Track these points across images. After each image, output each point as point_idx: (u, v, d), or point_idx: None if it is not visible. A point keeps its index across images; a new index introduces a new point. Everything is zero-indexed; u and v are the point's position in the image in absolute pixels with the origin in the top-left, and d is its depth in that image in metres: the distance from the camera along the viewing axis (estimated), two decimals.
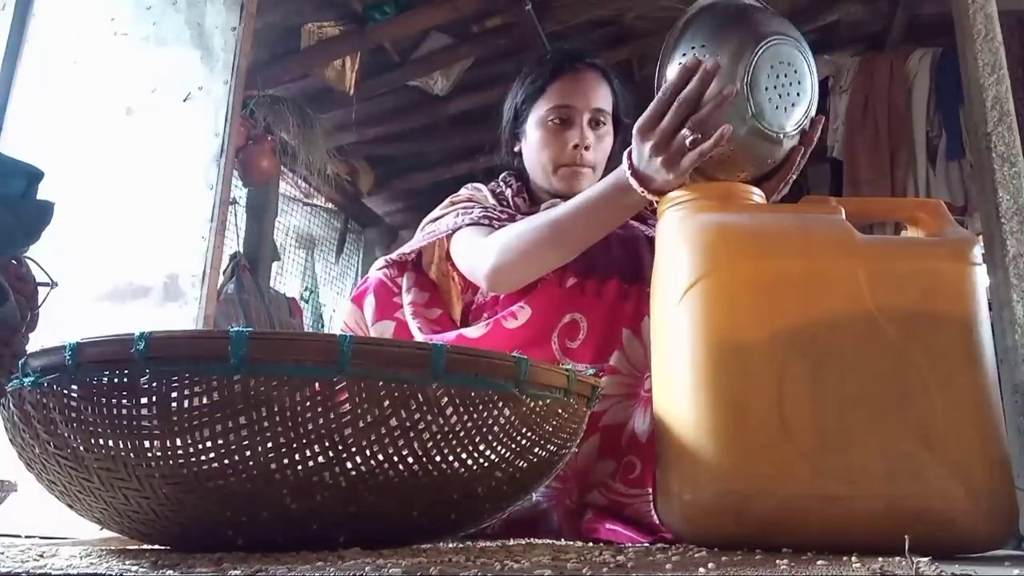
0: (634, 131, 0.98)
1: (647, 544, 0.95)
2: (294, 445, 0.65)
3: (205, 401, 0.64)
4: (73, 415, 0.67)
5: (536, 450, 0.77)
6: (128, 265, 2.18)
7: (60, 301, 0.74)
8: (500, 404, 0.71)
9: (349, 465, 0.66)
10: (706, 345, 0.80)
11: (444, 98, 3.67)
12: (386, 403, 0.66)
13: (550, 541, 0.99)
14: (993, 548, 0.78)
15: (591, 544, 0.92)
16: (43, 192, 0.72)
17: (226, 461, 0.65)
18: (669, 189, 0.94)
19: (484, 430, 0.71)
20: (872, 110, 3.41)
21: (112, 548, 0.78)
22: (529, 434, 0.75)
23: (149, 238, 2.18)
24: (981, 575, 0.58)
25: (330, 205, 4.52)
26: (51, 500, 0.79)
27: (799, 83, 0.95)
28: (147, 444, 0.65)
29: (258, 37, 2.78)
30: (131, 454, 0.65)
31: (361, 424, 0.66)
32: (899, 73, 3.39)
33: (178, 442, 0.65)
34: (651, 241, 1.17)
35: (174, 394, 0.64)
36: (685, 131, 0.92)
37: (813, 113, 1.00)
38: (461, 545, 0.83)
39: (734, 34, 0.94)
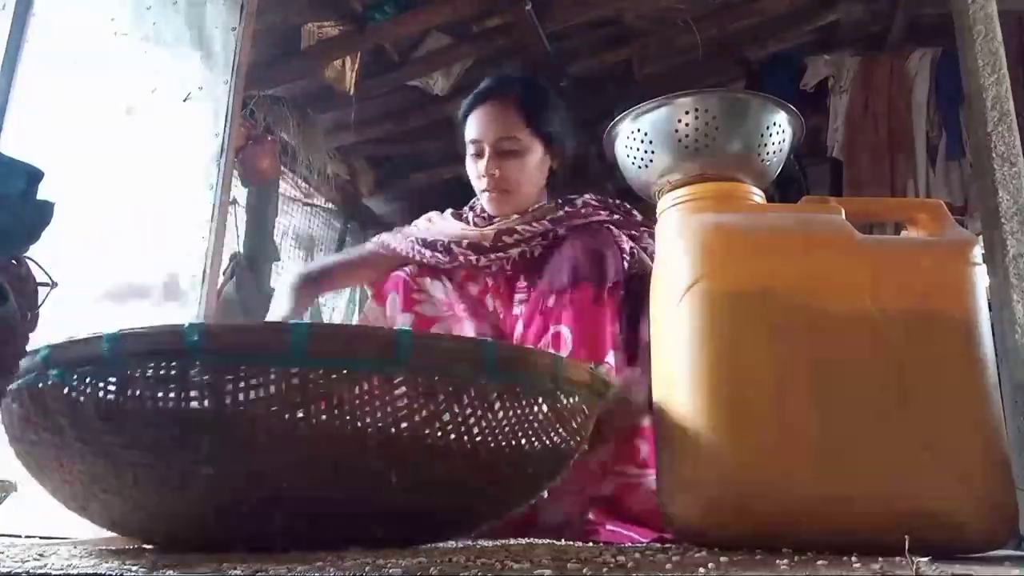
0: None
1: (647, 544, 0.95)
2: (351, 440, 0.65)
3: (262, 394, 0.64)
4: (109, 409, 0.65)
5: (563, 446, 0.78)
6: (128, 265, 2.18)
7: (60, 301, 0.74)
8: (540, 400, 0.73)
9: (404, 460, 0.67)
10: (706, 345, 0.80)
11: (444, 98, 3.67)
12: (441, 398, 0.67)
13: (550, 541, 0.99)
14: (993, 548, 0.78)
15: (591, 544, 0.93)
16: (43, 192, 0.72)
17: (281, 455, 0.64)
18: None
19: (525, 425, 0.72)
20: (872, 110, 3.41)
21: (112, 548, 0.78)
22: (561, 430, 0.76)
23: (149, 238, 2.18)
24: (981, 575, 0.58)
25: (330, 205, 4.52)
26: (50, 500, 0.79)
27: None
28: (195, 439, 0.64)
29: (258, 37, 2.77)
30: (176, 447, 0.64)
31: (417, 418, 0.66)
32: (899, 73, 3.39)
33: (231, 434, 0.64)
34: (620, 249, 1.29)
35: (228, 387, 0.63)
36: None
37: None
38: (461, 545, 0.83)
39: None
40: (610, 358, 1.19)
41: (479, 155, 1.42)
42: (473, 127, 1.43)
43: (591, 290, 1.24)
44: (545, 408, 0.74)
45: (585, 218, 1.35)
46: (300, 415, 0.63)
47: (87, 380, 0.66)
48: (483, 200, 1.43)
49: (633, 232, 1.35)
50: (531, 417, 0.72)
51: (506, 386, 0.70)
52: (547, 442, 0.75)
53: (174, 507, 0.68)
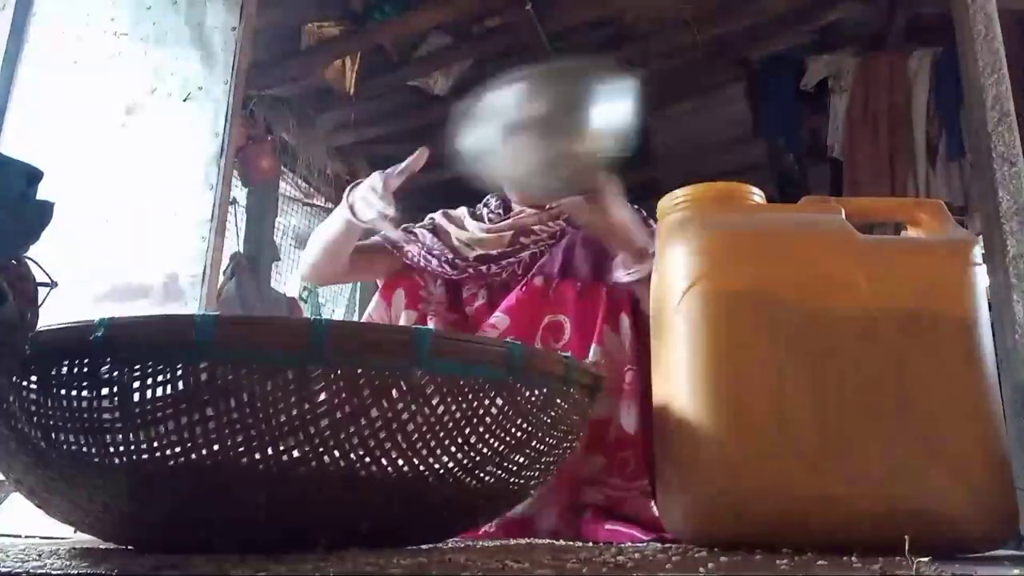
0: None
1: (647, 544, 0.95)
2: (266, 438, 0.60)
3: (169, 391, 0.60)
4: (32, 408, 0.63)
5: (534, 443, 0.72)
6: (128, 265, 2.18)
7: (60, 301, 0.74)
8: (492, 393, 0.67)
9: (327, 459, 0.62)
10: (706, 346, 0.80)
11: (444, 98, 3.67)
12: (366, 392, 0.61)
13: (550, 541, 0.99)
14: (993, 548, 0.78)
15: (591, 544, 0.93)
16: (43, 192, 0.72)
17: (193, 456, 0.60)
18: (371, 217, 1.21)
19: (475, 421, 0.66)
20: (872, 110, 3.41)
21: (112, 548, 0.78)
22: (525, 425, 0.70)
23: (149, 238, 2.18)
24: (981, 575, 0.58)
25: (330, 205, 4.51)
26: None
27: None
28: (108, 439, 0.61)
29: (258, 37, 2.77)
30: (92, 449, 0.61)
31: (339, 415, 0.61)
32: (899, 73, 3.39)
33: (141, 435, 0.61)
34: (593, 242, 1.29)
35: (136, 384, 0.60)
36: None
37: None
38: (461, 545, 0.83)
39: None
40: (593, 353, 1.18)
41: None
42: None
43: (581, 287, 1.24)
44: (500, 402, 0.67)
45: None
46: (210, 413, 0.60)
47: (15, 380, 0.65)
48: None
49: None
50: (482, 412, 0.66)
51: (447, 377, 0.64)
52: (508, 440, 0.69)
53: (106, 509, 0.66)
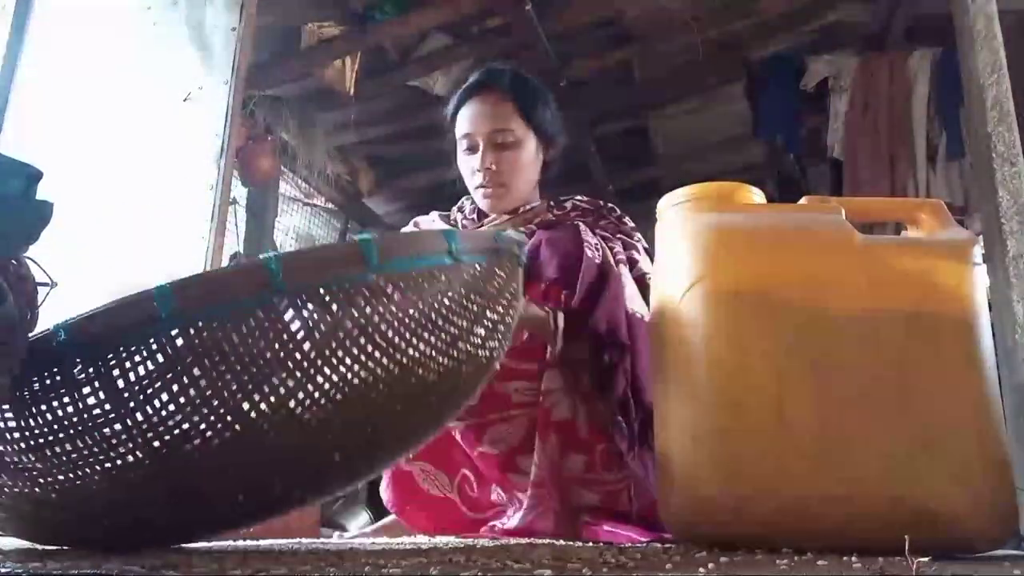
0: None
1: (647, 544, 0.95)
2: (259, 379, 0.62)
3: (151, 367, 0.62)
4: (16, 436, 0.64)
5: (488, 313, 0.77)
6: (128, 265, 2.18)
7: (60, 301, 0.74)
8: (442, 277, 0.71)
9: (321, 379, 0.64)
10: (707, 344, 0.80)
11: (444, 98, 3.67)
12: (335, 307, 0.65)
13: (550, 541, 0.99)
14: (993, 548, 0.78)
15: (591, 544, 0.93)
16: (43, 192, 0.72)
17: (196, 418, 0.62)
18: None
19: (436, 305, 0.70)
20: (872, 110, 3.41)
21: (112, 549, 0.78)
22: (477, 298, 0.75)
23: (149, 238, 2.18)
24: (981, 575, 0.58)
25: (330, 205, 4.52)
26: None
27: None
28: (108, 432, 0.62)
29: (258, 37, 2.77)
30: (95, 449, 0.62)
31: (317, 335, 0.64)
32: (899, 73, 3.39)
33: (139, 417, 0.62)
34: (585, 244, 1.24)
35: (115, 372, 0.61)
36: None
37: None
38: (461, 545, 0.83)
39: None
40: (550, 353, 1.19)
41: (472, 149, 1.38)
42: (465, 121, 1.40)
43: (545, 287, 1.21)
44: (452, 282, 0.72)
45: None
46: (197, 373, 0.61)
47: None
48: (477, 197, 1.40)
49: (608, 234, 1.33)
50: (439, 296, 0.70)
51: (401, 274, 0.68)
52: (469, 316, 0.74)
53: (125, 506, 0.66)
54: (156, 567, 0.56)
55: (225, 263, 3.28)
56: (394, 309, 0.67)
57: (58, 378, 0.63)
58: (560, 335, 1.15)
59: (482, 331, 0.77)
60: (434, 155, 4.29)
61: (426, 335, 0.70)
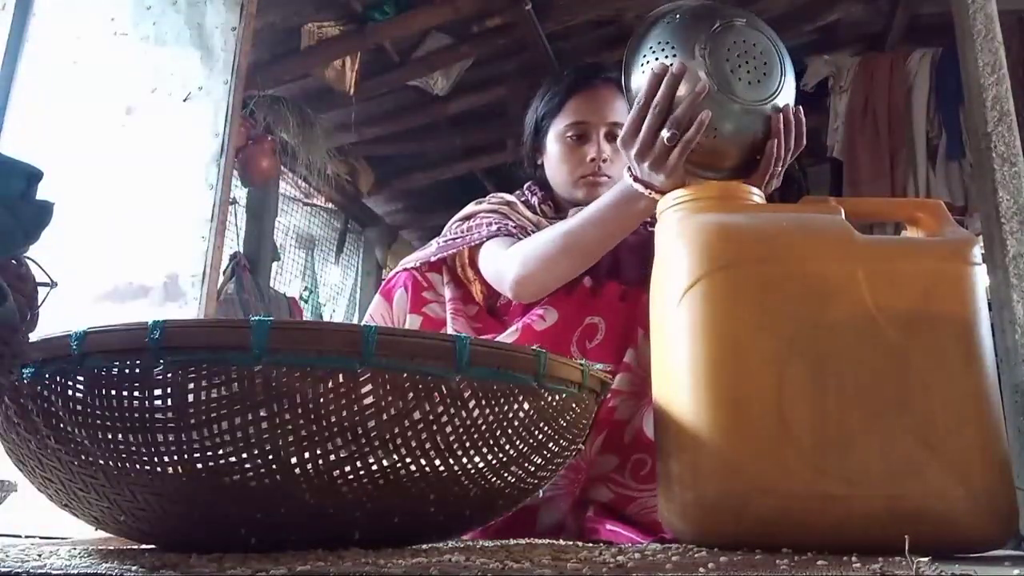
0: (619, 144, 1.05)
1: (647, 544, 0.95)
2: (316, 438, 0.63)
3: (224, 392, 0.63)
4: (79, 408, 0.65)
5: (551, 444, 0.77)
6: (128, 265, 2.18)
7: (60, 301, 0.74)
8: (520, 398, 0.71)
9: (371, 459, 0.65)
10: (706, 345, 0.80)
11: (444, 98, 3.67)
12: (410, 395, 0.65)
13: (550, 541, 0.99)
14: (993, 548, 0.78)
15: (591, 544, 0.93)
16: (43, 192, 0.72)
17: (244, 455, 0.63)
18: (670, 188, 0.97)
19: (504, 424, 0.70)
20: (872, 110, 3.41)
21: (112, 548, 0.78)
22: (546, 428, 0.75)
23: (149, 238, 2.18)
24: (981, 575, 0.58)
25: (330, 205, 4.52)
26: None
27: (764, 59, 1.00)
28: (160, 438, 0.63)
29: (258, 37, 2.77)
30: (143, 448, 0.64)
31: (385, 417, 0.65)
32: (899, 73, 3.39)
33: (194, 435, 0.63)
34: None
35: (191, 385, 0.63)
36: (664, 132, 0.98)
37: (790, 90, 1.04)
38: (461, 545, 0.83)
39: (690, 27, 1.00)
40: (628, 356, 1.18)
41: (583, 138, 1.34)
42: (581, 108, 1.35)
43: (624, 290, 1.22)
44: (527, 406, 0.72)
45: None
46: (263, 414, 0.62)
47: (58, 379, 0.66)
48: (575, 187, 1.35)
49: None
50: (511, 416, 0.71)
51: (482, 383, 0.68)
52: (531, 441, 0.74)
53: (149, 508, 0.67)
54: (156, 567, 0.56)
55: (225, 263, 3.28)
56: (464, 414, 0.68)
57: (137, 370, 0.64)
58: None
59: (539, 460, 0.77)
60: (434, 155, 4.31)
61: (484, 449, 0.70)
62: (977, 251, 0.83)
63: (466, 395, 0.68)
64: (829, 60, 3.51)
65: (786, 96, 1.03)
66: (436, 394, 0.66)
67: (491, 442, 0.70)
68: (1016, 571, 0.62)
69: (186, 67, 2.30)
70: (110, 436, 0.65)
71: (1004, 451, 0.78)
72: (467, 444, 0.69)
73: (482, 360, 0.68)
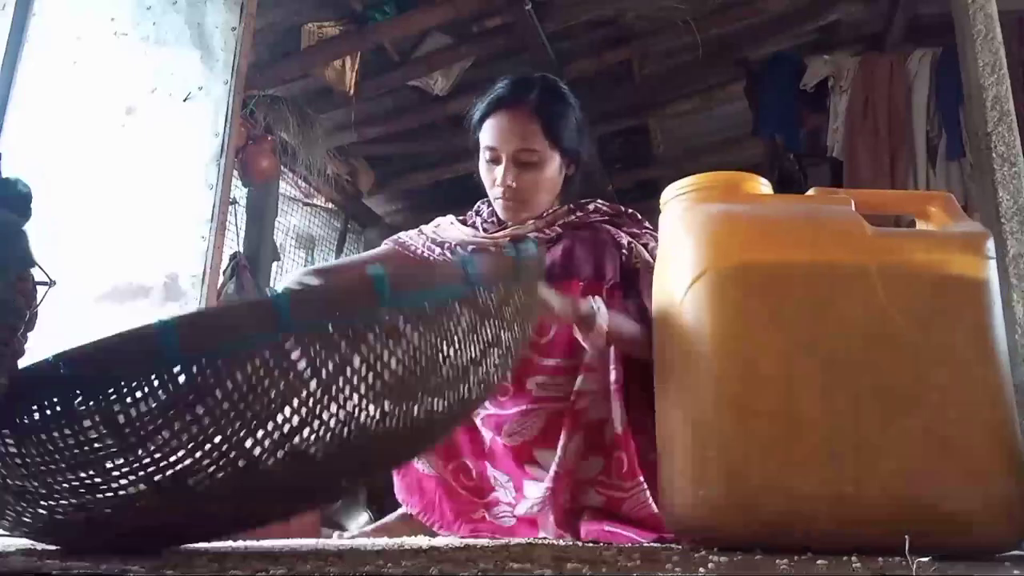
0: None
1: (647, 544, 0.95)
2: (263, 416, 0.62)
3: (153, 404, 0.61)
4: (17, 461, 0.63)
5: (504, 335, 0.75)
6: (128, 265, 2.17)
7: (60, 301, 0.74)
8: (458, 308, 0.69)
9: (326, 416, 0.64)
10: (712, 339, 0.79)
11: (444, 98, 3.67)
12: (343, 345, 0.63)
13: (550, 541, 0.99)
14: (1005, 549, 0.76)
15: (591, 544, 0.92)
16: (43, 192, 0.72)
17: (199, 454, 0.61)
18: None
19: (451, 338, 0.69)
20: (872, 110, 3.41)
21: (112, 548, 0.78)
22: (495, 323, 0.73)
23: (149, 238, 2.18)
24: (981, 575, 0.58)
25: (330, 205, 4.51)
26: None
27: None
28: (109, 464, 0.62)
29: (258, 37, 2.77)
30: (97, 479, 0.62)
31: (324, 374, 0.63)
32: (899, 73, 3.39)
33: (140, 452, 0.61)
34: (617, 245, 1.29)
35: (116, 407, 0.61)
36: None
37: None
38: (461, 545, 0.82)
39: None
40: (588, 356, 1.20)
41: (495, 162, 1.38)
42: (490, 134, 1.39)
43: (584, 286, 1.24)
44: (469, 312, 0.70)
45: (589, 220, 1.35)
46: (200, 411, 0.61)
47: None
48: (497, 206, 1.40)
49: (634, 229, 1.35)
50: (453, 328, 0.69)
51: (414, 309, 0.66)
52: (487, 336, 0.72)
53: (119, 523, 0.66)
54: (156, 567, 0.56)
55: (225, 263, 3.28)
56: (406, 345, 0.66)
57: (58, 409, 0.62)
58: (604, 326, 1.13)
59: (497, 352, 0.76)
60: (434, 155, 4.30)
61: (439, 368, 0.69)
62: (991, 244, 0.82)
63: (400, 325, 0.66)
64: (829, 60, 3.50)
65: None
66: (370, 335, 0.64)
67: (442, 359, 0.68)
68: (1016, 572, 0.62)
69: (186, 67, 2.30)
70: (60, 479, 0.63)
71: (1019, 450, 0.76)
72: (419, 371, 0.67)
73: (405, 286, 0.66)
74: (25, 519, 0.68)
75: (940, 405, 0.75)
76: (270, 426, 0.62)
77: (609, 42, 3.49)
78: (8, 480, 0.65)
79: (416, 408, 0.68)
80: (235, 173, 3.15)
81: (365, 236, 4.92)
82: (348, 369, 0.63)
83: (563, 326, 1.20)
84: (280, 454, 0.63)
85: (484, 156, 1.40)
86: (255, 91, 3.22)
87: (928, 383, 0.76)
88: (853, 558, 0.64)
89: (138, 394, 0.61)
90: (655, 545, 0.88)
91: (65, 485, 0.63)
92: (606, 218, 1.37)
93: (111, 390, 0.61)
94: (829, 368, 0.76)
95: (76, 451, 0.62)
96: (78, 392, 0.61)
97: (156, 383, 0.61)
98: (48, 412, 0.62)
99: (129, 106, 2.29)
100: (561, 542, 0.97)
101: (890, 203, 1.09)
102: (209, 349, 0.61)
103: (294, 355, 0.63)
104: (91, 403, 0.61)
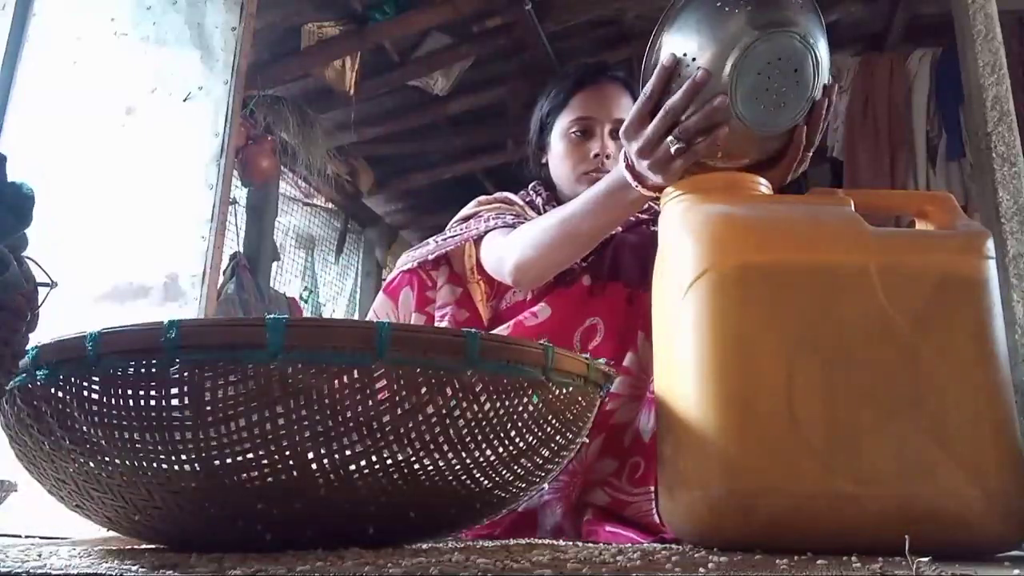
0: (620, 133, 0.96)
1: (647, 544, 0.95)
2: (332, 434, 0.64)
3: (241, 390, 0.63)
4: (95, 408, 0.65)
5: (557, 438, 0.78)
6: (128, 265, 2.18)
7: (60, 301, 0.74)
8: (530, 391, 0.72)
9: (386, 454, 0.66)
10: (712, 340, 0.79)
11: (444, 98, 3.67)
12: (423, 390, 0.66)
13: (550, 541, 0.99)
14: (1007, 549, 0.76)
15: (591, 544, 0.92)
16: (44, 192, 0.72)
17: (261, 452, 0.64)
18: (664, 187, 0.94)
19: (515, 417, 0.72)
20: (872, 110, 3.41)
21: (112, 548, 0.78)
22: (553, 421, 0.76)
23: (149, 238, 2.18)
24: (981, 575, 0.58)
25: (330, 205, 4.52)
26: (50, 500, 0.79)
27: (798, 78, 0.88)
28: (177, 436, 0.64)
29: (258, 37, 2.77)
30: (159, 447, 0.64)
31: (399, 411, 0.65)
32: (899, 73, 3.39)
33: (211, 433, 0.63)
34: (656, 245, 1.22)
35: (207, 384, 0.63)
36: (672, 142, 0.89)
37: (816, 95, 0.91)
38: (461, 545, 0.83)
39: (730, 25, 0.86)
40: (628, 360, 1.18)
41: (587, 134, 1.33)
42: (582, 105, 1.34)
43: (627, 289, 1.23)
44: (536, 399, 0.73)
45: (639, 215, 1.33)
46: (280, 411, 0.63)
47: (73, 380, 0.66)
48: (581, 184, 1.31)
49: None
50: (520, 409, 0.72)
51: (493, 376, 0.69)
52: (540, 434, 0.75)
53: (165, 507, 0.67)
54: (156, 566, 0.56)
55: (225, 263, 3.28)
56: (475, 408, 0.69)
57: (154, 369, 0.64)
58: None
59: (547, 453, 0.78)
60: (434, 155, 4.30)
61: (495, 442, 0.71)
62: (991, 244, 0.82)
63: (477, 389, 0.69)
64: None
65: (810, 104, 0.91)
66: (449, 388, 0.67)
67: (502, 435, 0.71)
68: (1016, 571, 0.62)
69: (186, 67, 2.30)
70: (127, 436, 0.65)
71: (1019, 450, 0.76)
72: (479, 437, 0.69)
73: (492, 354, 0.69)
74: (67, 468, 0.70)
75: (940, 405, 0.75)
76: (334, 447, 0.65)
77: (609, 42, 3.49)
78: (76, 424, 0.67)
79: (466, 476, 0.71)
80: (235, 173, 3.15)
81: (365, 236, 4.93)
82: (420, 415, 0.66)
83: (610, 335, 1.19)
84: (331, 478, 0.65)
85: (572, 131, 1.35)
86: (255, 91, 3.22)
87: (928, 383, 0.76)
88: (853, 558, 0.65)
89: (231, 377, 0.63)
90: (655, 545, 0.88)
91: (127, 444, 0.65)
92: (653, 216, 1.34)
93: (207, 367, 0.63)
94: (829, 368, 0.76)
95: (153, 413, 0.64)
96: (177, 360, 0.63)
97: (251, 372, 0.63)
98: (143, 370, 0.64)
99: (129, 106, 2.29)
100: (561, 542, 0.97)
101: (890, 203, 1.09)
102: (308, 353, 0.64)
103: (378, 385, 0.65)
104: (185, 373, 0.63)
